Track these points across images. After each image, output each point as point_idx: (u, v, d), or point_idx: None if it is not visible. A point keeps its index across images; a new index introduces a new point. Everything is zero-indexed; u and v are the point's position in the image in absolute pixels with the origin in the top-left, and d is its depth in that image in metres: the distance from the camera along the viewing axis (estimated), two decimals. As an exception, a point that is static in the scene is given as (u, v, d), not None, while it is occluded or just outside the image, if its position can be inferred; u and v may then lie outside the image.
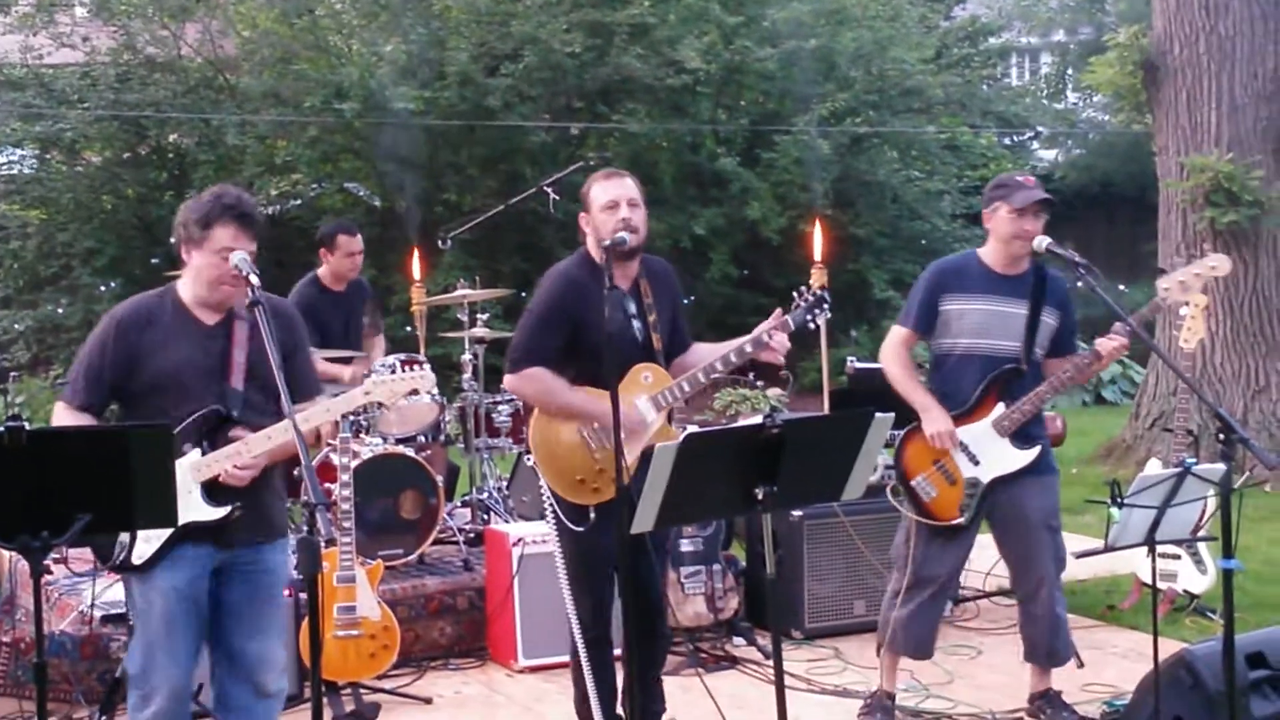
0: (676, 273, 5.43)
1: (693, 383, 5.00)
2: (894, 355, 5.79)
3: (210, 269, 4.45)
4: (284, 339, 4.40)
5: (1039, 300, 5.66)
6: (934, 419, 5.62)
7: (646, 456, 4.69)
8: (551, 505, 5.15)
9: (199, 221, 4.46)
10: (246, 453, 4.38)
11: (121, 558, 4.42)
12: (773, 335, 4.97)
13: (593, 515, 5.09)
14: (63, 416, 4.50)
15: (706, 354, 5.18)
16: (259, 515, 4.56)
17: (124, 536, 4.38)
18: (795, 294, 5.06)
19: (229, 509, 4.40)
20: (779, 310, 5.07)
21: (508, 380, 5.16)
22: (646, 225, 5.14)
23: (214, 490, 4.41)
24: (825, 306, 5.04)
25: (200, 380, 4.45)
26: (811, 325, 5.07)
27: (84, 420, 4.47)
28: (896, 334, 5.85)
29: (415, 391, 4.69)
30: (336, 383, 7.49)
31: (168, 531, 4.35)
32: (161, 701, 4.47)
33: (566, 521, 5.11)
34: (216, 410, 4.43)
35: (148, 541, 4.39)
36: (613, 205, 5.06)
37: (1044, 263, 5.72)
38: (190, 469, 4.38)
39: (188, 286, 4.56)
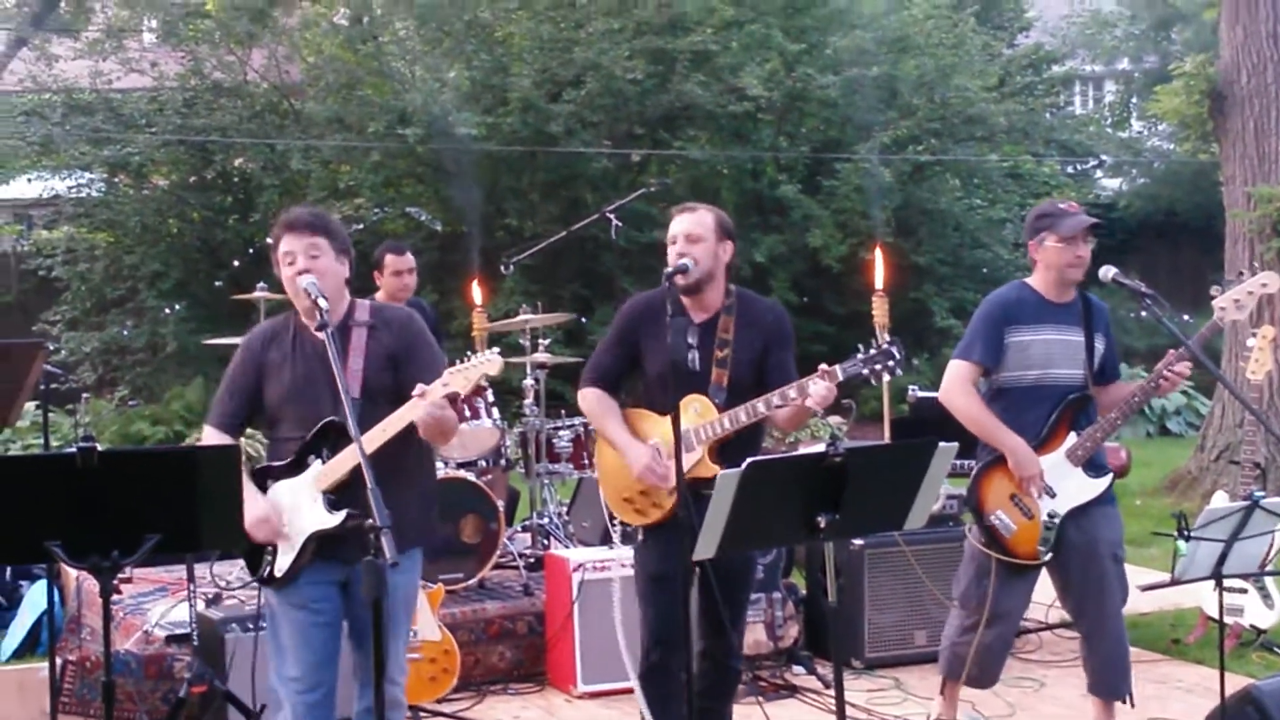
0: (786, 320, 5.33)
1: (735, 420, 4.99)
2: (965, 391, 5.67)
3: (286, 281, 4.68)
4: (392, 347, 4.68)
5: (1090, 326, 5.63)
6: (1025, 462, 5.54)
7: (691, 491, 4.72)
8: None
9: (272, 244, 4.77)
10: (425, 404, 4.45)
11: (267, 571, 4.59)
12: (814, 386, 4.80)
13: (640, 536, 5.20)
14: (208, 435, 4.73)
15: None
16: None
17: (269, 550, 4.59)
18: (861, 345, 4.94)
19: (345, 514, 4.47)
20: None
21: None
22: (713, 259, 5.12)
23: (336, 501, 4.52)
24: (893, 363, 4.81)
25: (316, 396, 4.60)
26: (874, 380, 4.95)
27: (223, 439, 4.66)
28: (962, 369, 5.71)
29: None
30: None
31: (300, 540, 4.52)
32: (290, 712, 4.61)
33: (614, 532, 5.25)
34: (332, 421, 4.54)
35: (285, 554, 4.56)
36: (671, 240, 5.15)
37: (1085, 290, 5.69)
38: (313, 480, 4.54)
39: (298, 308, 4.75)
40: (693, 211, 5.21)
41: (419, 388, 4.41)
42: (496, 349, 4.69)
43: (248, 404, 4.74)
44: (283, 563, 4.57)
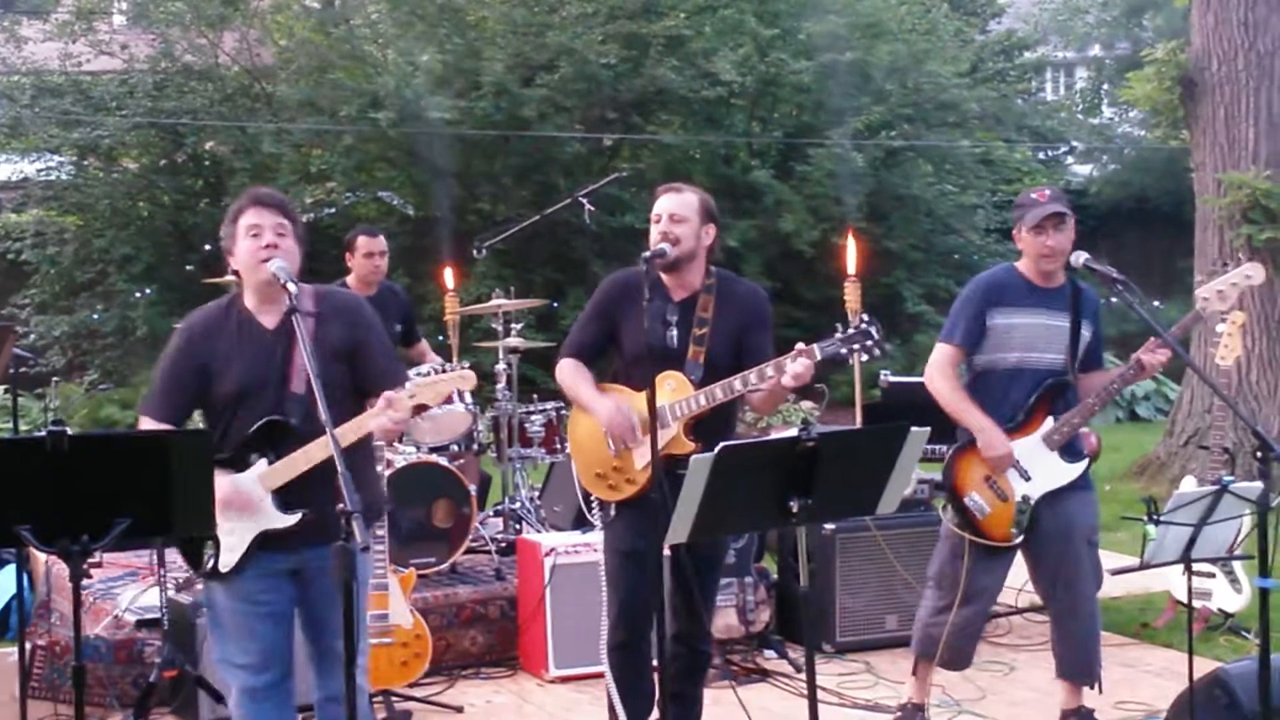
0: (765, 302, 5.31)
1: (710, 398, 4.99)
2: (943, 374, 5.69)
3: (247, 254, 4.48)
4: (347, 336, 4.54)
5: (1078, 313, 5.65)
6: (993, 442, 5.57)
7: (665, 468, 4.72)
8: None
9: (230, 219, 4.57)
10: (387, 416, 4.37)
11: (210, 565, 4.48)
12: (791, 364, 4.78)
13: (613, 512, 5.21)
14: (141, 425, 4.53)
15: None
16: (326, 517, 4.57)
17: (211, 544, 4.46)
18: (839, 325, 4.94)
19: (300, 515, 4.41)
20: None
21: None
22: (695, 240, 5.13)
23: (287, 498, 4.44)
24: (871, 343, 4.79)
25: (265, 389, 4.47)
26: (851, 361, 4.96)
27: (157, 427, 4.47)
28: (943, 352, 5.74)
29: (459, 393, 4.70)
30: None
31: (249, 539, 4.42)
32: (238, 702, 4.56)
33: (593, 513, 5.24)
34: (273, 420, 4.44)
35: (232, 550, 4.44)
36: (655, 219, 5.16)
37: (1078, 276, 5.70)
38: (259, 479, 4.43)
39: (246, 289, 4.59)
40: (679, 192, 5.22)
41: (385, 396, 4.34)
42: (466, 364, 4.65)
43: (191, 399, 4.54)
44: (228, 559, 4.44)
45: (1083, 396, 5.67)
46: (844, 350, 4.82)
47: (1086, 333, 5.67)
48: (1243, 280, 5.71)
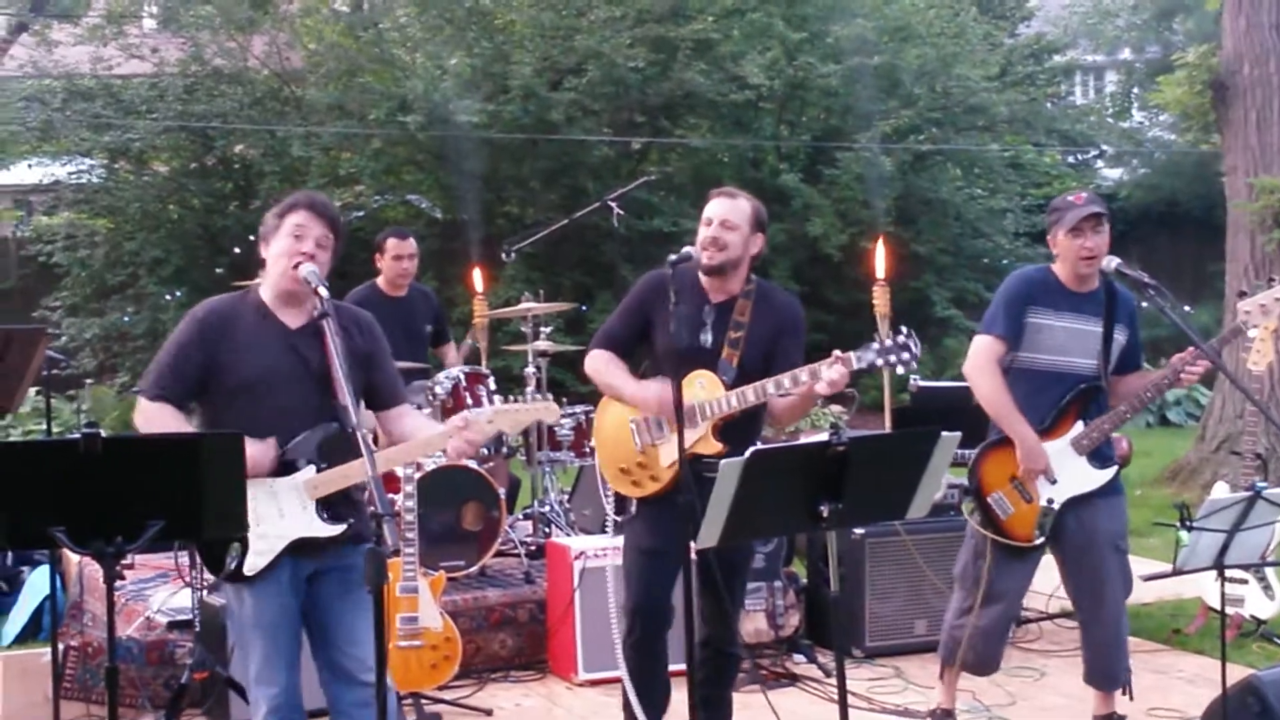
0: (800, 313, 5.34)
1: (742, 399, 4.99)
2: (987, 370, 5.61)
3: (283, 252, 4.47)
4: (365, 347, 4.55)
5: (1111, 317, 5.62)
6: (1032, 454, 5.54)
7: (690, 467, 4.72)
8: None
9: (278, 212, 4.56)
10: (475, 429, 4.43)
11: (233, 568, 4.43)
12: (826, 370, 4.80)
13: (633, 509, 5.24)
14: (144, 409, 4.48)
15: None
16: (354, 523, 4.59)
17: (235, 547, 4.39)
18: (876, 335, 4.96)
19: (345, 525, 4.41)
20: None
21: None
22: (743, 249, 5.15)
23: (330, 507, 4.43)
24: (909, 356, 4.78)
25: (288, 385, 4.45)
26: (887, 370, 4.94)
27: (164, 410, 4.44)
28: (986, 345, 5.65)
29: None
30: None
31: (281, 545, 4.40)
32: (273, 707, 4.49)
33: (613, 508, 5.27)
34: (336, 426, 4.42)
35: (260, 555, 4.39)
36: (707, 222, 5.18)
37: (1112, 280, 5.68)
38: (305, 486, 4.41)
39: (267, 286, 4.56)
40: (732, 198, 5.24)
41: (463, 417, 4.37)
42: (550, 396, 4.62)
43: (196, 384, 4.49)
44: (256, 562, 4.39)
45: (1118, 400, 5.65)
46: (879, 361, 4.81)
47: (1121, 337, 5.64)
48: None
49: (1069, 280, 5.63)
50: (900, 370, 4.85)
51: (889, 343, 4.80)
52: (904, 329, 4.84)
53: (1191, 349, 5.40)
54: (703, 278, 5.14)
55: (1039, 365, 5.62)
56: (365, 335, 4.62)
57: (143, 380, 4.62)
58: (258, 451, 4.31)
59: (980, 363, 5.65)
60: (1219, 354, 5.61)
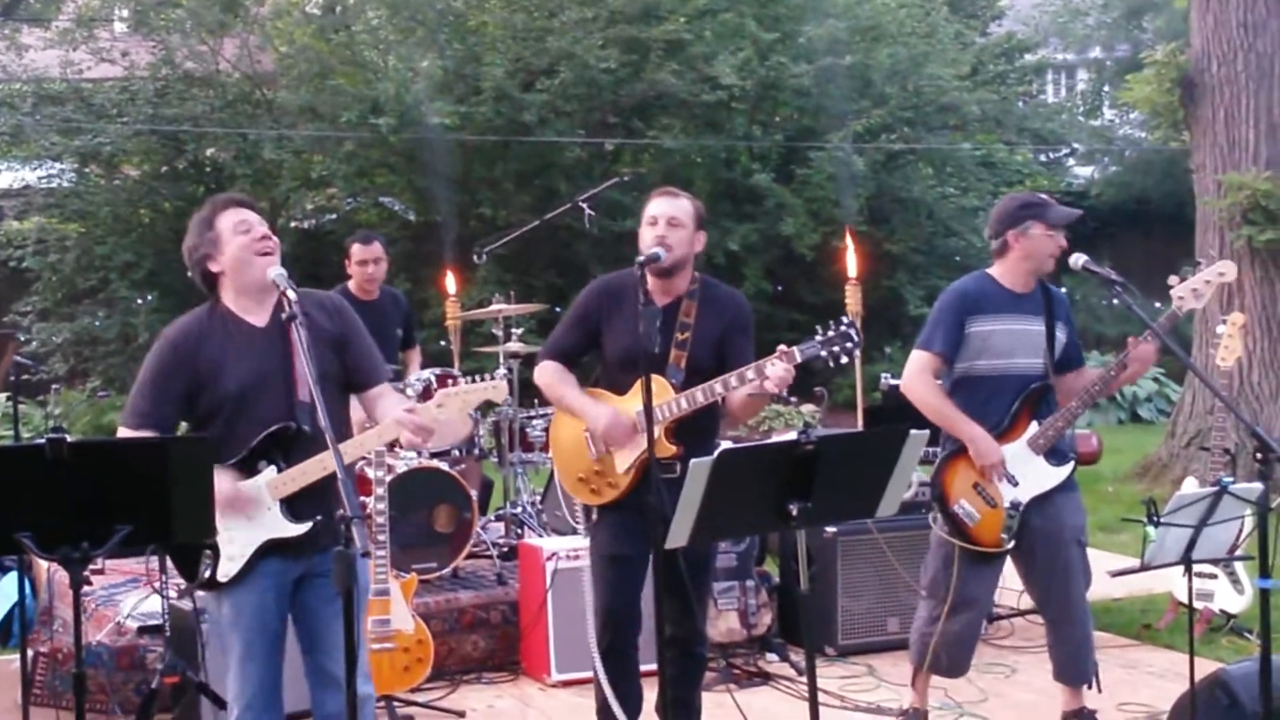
0: (746, 307, 5.38)
1: (691, 400, 5.00)
2: (925, 383, 5.66)
3: (240, 249, 4.42)
4: (335, 329, 4.51)
5: (1051, 315, 5.66)
6: (986, 450, 5.56)
7: (643, 471, 4.73)
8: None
9: (203, 227, 4.48)
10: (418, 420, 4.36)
11: (207, 575, 4.41)
12: (771, 367, 4.82)
13: (594, 516, 5.27)
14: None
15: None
16: (332, 522, 4.56)
17: (207, 555, 4.38)
18: (819, 326, 4.96)
19: (311, 523, 4.39)
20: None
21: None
22: (689, 246, 5.18)
23: (295, 506, 4.41)
24: (851, 345, 4.85)
25: (267, 390, 4.41)
26: (832, 362, 4.95)
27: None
28: (922, 360, 5.69)
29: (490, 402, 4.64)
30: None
31: (251, 549, 4.37)
32: (245, 706, 4.47)
33: (576, 517, 5.28)
34: (286, 427, 4.39)
35: (232, 560, 4.37)
36: (652, 221, 5.18)
37: (1043, 279, 5.71)
38: (268, 487, 4.39)
39: (229, 289, 4.51)
40: (675, 197, 5.26)
41: (408, 405, 4.35)
42: (500, 372, 4.62)
43: (177, 411, 4.46)
44: (229, 568, 4.38)
45: (1064, 398, 5.68)
46: (823, 352, 4.86)
47: (1061, 335, 5.70)
48: (1216, 277, 5.73)
49: (1013, 283, 5.65)
50: (844, 359, 4.88)
51: (831, 333, 4.84)
52: (844, 319, 4.88)
53: (1131, 339, 5.47)
54: (650, 280, 5.12)
55: (988, 371, 5.64)
56: (334, 317, 4.57)
57: (123, 412, 4.57)
58: (223, 484, 4.26)
59: (915, 374, 5.70)
60: (1186, 350, 5.65)
